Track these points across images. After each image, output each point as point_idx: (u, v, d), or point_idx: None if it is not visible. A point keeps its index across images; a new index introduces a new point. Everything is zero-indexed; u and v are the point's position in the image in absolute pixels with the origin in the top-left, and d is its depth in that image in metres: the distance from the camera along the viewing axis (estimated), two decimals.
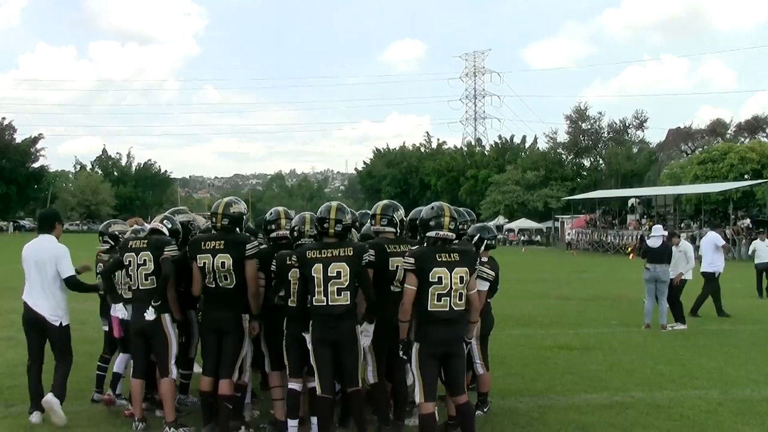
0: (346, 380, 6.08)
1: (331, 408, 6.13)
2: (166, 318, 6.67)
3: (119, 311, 7.03)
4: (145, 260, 6.63)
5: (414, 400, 5.88)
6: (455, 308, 5.71)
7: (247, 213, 6.81)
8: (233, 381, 6.52)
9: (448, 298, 5.65)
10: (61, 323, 7.03)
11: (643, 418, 7.37)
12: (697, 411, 7.68)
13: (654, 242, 13.87)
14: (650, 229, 16.21)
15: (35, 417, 6.93)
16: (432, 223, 5.77)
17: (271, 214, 7.06)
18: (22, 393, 7.82)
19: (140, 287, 6.67)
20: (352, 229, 6.74)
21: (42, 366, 7.17)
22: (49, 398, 6.76)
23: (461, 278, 5.71)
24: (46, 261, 6.96)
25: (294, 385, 6.41)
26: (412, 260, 5.64)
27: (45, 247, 7.07)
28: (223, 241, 6.44)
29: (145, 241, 6.74)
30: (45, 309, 6.95)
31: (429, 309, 5.62)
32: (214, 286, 6.48)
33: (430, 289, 5.61)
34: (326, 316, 5.93)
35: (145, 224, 7.60)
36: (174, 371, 6.70)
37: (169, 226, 6.94)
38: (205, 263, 6.43)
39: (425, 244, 5.85)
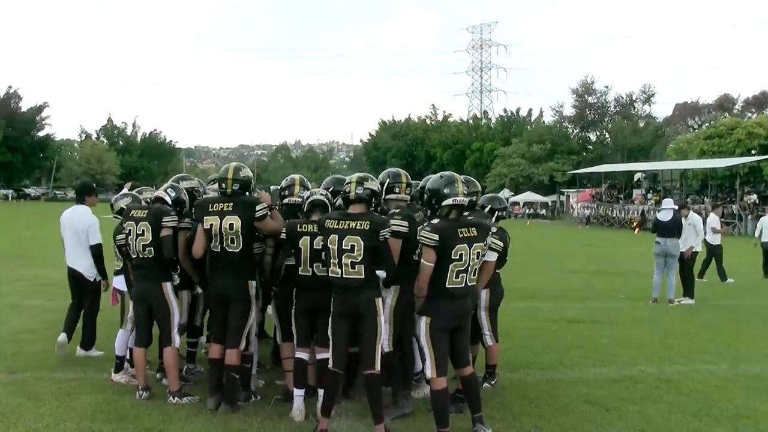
0: (363, 360, 5.84)
1: (339, 383, 5.99)
2: (167, 286, 6.61)
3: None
4: (143, 230, 6.55)
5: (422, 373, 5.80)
6: (469, 284, 5.62)
7: (254, 180, 6.70)
8: (240, 351, 6.44)
9: (465, 275, 5.55)
10: (95, 279, 8.27)
11: (652, 393, 7.28)
12: (707, 386, 7.60)
13: (664, 215, 13.75)
14: (657, 203, 16.39)
15: (62, 337, 8.15)
16: (446, 190, 5.60)
17: (286, 180, 7.12)
18: (25, 360, 7.94)
19: (139, 256, 6.61)
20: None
21: (80, 309, 8.37)
22: (61, 338, 8.12)
23: (478, 254, 5.62)
24: (79, 228, 8.17)
25: (301, 354, 6.34)
26: (436, 236, 5.43)
27: (79, 215, 8.26)
28: (231, 203, 6.32)
29: (146, 211, 6.66)
30: (81, 267, 8.22)
31: (446, 285, 5.50)
32: (219, 250, 6.36)
33: (450, 266, 5.48)
34: (343, 288, 5.77)
35: (148, 189, 7.53)
36: (176, 340, 6.65)
37: (173, 195, 6.83)
38: (212, 225, 6.30)
39: (439, 215, 5.66)
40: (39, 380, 7.18)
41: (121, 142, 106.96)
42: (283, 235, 6.34)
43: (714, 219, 18.31)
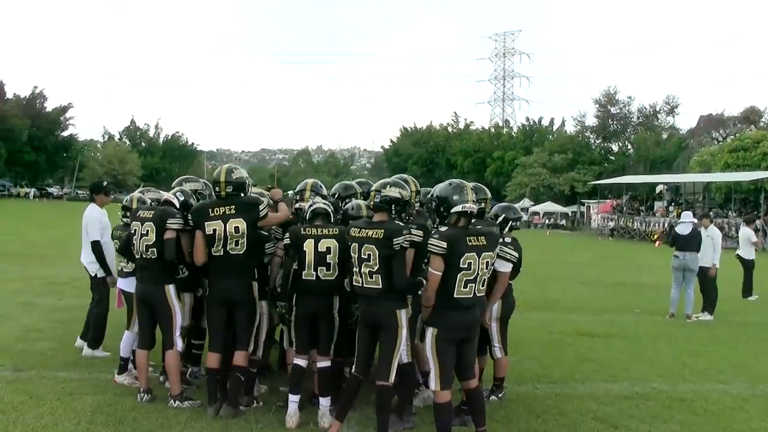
0: (378, 370, 5.74)
1: (358, 388, 5.87)
2: (170, 289, 6.53)
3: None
4: (147, 231, 6.48)
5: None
6: (478, 294, 5.49)
7: (249, 180, 6.58)
8: (248, 353, 6.38)
9: (474, 285, 5.41)
10: (96, 274, 8.36)
11: (664, 411, 7.11)
12: (722, 406, 7.41)
13: (683, 228, 13.53)
14: (678, 216, 16.08)
15: (78, 342, 8.50)
16: (455, 197, 5.47)
17: (299, 185, 7.17)
18: (31, 358, 7.94)
19: (143, 256, 6.54)
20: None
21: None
22: (78, 343, 8.49)
23: (487, 263, 5.49)
24: (83, 224, 8.38)
25: (299, 360, 6.23)
26: (444, 244, 5.31)
27: (86, 213, 8.47)
28: (233, 206, 6.26)
29: (152, 212, 6.59)
30: (85, 261, 8.45)
31: (454, 295, 5.37)
32: (222, 253, 6.28)
33: (459, 275, 5.35)
34: (364, 297, 5.72)
35: (161, 192, 7.45)
36: (179, 343, 6.56)
37: (182, 198, 6.74)
38: (215, 230, 6.23)
39: (447, 222, 5.53)
40: (43, 379, 7.14)
41: (143, 144, 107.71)
42: (287, 240, 6.25)
43: (748, 232, 17.67)
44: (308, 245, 6.07)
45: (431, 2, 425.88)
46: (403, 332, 5.67)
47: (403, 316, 5.68)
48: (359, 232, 5.69)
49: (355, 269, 5.72)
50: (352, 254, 5.71)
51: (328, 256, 6.01)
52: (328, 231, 6.10)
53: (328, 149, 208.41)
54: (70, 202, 71.68)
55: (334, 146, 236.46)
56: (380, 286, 5.60)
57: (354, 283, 5.78)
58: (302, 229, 6.16)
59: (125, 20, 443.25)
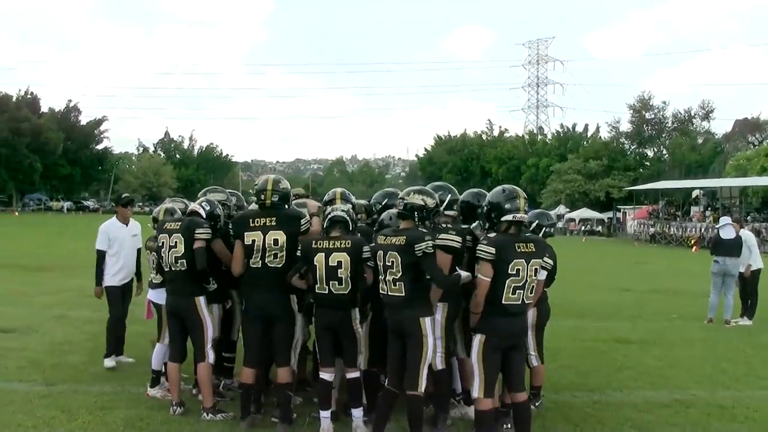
0: (406, 380, 5.65)
1: (392, 403, 5.80)
2: (201, 301, 6.48)
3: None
4: (176, 242, 6.44)
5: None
6: (526, 301, 5.43)
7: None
8: (291, 368, 6.34)
9: (522, 291, 5.35)
10: (103, 285, 8.49)
11: (704, 419, 6.96)
12: (764, 413, 7.23)
13: (726, 233, 13.30)
14: (715, 221, 15.79)
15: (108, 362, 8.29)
16: (508, 205, 5.40)
17: (328, 194, 7.08)
18: (64, 372, 7.94)
19: (171, 269, 6.51)
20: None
21: (123, 321, 8.67)
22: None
23: (536, 270, 5.43)
24: None
25: (324, 374, 6.13)
26: (492, 250, 5.26)
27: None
28: (274, 218, 6.20)
29: (179, 223, 6.56)
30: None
31: (503, 302, 5.31)
32: (260, 265, 6.20)
33: (507, 282, 5.29)
34: (389, 305, 5.70)
35: (187, 202, 7.44)
36: (211, 355, 6.51)
37: (207, 208, 6.72)
38: (254, 241, 6.17)
39: (496, 229, 5.48)
40: (75, 393, 7.15)
41: (177, 156, 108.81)
42: (298, 252, 6.17)
43: None
44: (319, 259, 5.94)
45: (464, 11, 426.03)
46: (429, 341, 5.61)
47: (427, 324, 5.62)
48: (385, 240, 5.70)
49: (380, 277, 5.71)
50: (378, 262, 5.71)
51: (339, 270, 5.88)
52: (340, 244, 5.94)
53: (363, 158, 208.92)
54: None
55: (368, 155, 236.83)
56: (403, 294, 5.58)
57: (380, 291, 5.74)
58: (313, 242, 6.02)
59: (159, 34, 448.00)
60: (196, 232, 6.39)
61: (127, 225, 8.63)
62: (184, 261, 6.41)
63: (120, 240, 8.45)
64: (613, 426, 6.64)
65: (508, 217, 5.38)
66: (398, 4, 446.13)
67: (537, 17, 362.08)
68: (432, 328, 5.67)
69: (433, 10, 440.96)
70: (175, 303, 6.56)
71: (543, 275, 6.32)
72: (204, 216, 6.62)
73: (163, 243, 6.56)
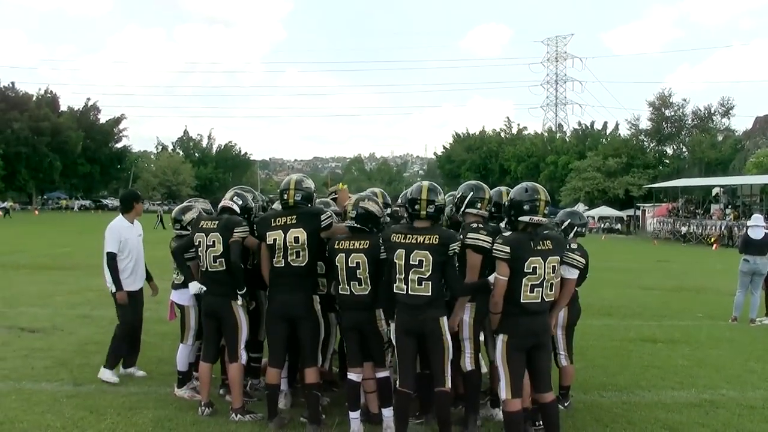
0: (435, 378, 5.60)
1: (407, 403, 5.73)
2: (238, 301, 6.40)
3: (193, 288, 6.72)
4: (214, 241, 6.37)
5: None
6: (546, 299, 5.36)
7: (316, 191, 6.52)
8: (318, 368, 6.29)
9: (541, 289, 5.29)
10: (111, 291, 7.80)
11: (735, 420, 6.87)
12: None
13: (756, 233, 13.13)
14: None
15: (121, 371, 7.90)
16: (527, 206, 5.32)
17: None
18: (91, 372, 7.91)
19: (209, 269, 6.44)
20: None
21: (138, 328, 8.14)
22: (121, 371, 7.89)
23: (554, 268, 5.36)
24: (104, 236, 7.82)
25: (352, 375, 6.09)
26: (507, 249, 5.22)
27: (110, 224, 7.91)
28: (295, 216, 6.13)
29: (216, 222, 6.47)
30: (103, 277, 7.90)
31: (521, 301, 5.26)
32: (283, 264, 6.14)
33: (524, 280, 5.24)
34: (407, 305, 5.55)
35: (200, 200, 7.39)
36: (243, 356, 6.48)
37: (240, 202, 6.63)
38: (275, 240, 6.12)
39: (514, 228, 5.44)
40: (103, 393, 7.17)
41: (196, 154, 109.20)
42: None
43: None
44: (340, 260, 5.90)
45: (483, 9, 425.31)
46: (448, 338, 5.57)
47: (445, 323, 5.57)
48: (404, 238, 5.55)
49: (398, 276, 5.55)
50: (397, 261, 5.55)
51: (358, 271, 5.83)
52: (359, 244, 5.87)
53: (381, 156, 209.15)
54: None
55: (386, 153, 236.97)
56: (429, 294, 5.48)
57: (396, 291, 5.59)
58: (336, 243, 5.98)
59: (177, 32, 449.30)
60: (235, 231, 6.33)
61: (132, 224, 8.03)
62: (223, 260, 6.35)
63: (131, 241, 7.87)
64: (643, 426, 6.57)
65: (525, 219, 5.32)
66: (417, 2, 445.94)
67: (556, 14, 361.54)
68: (446, 327, 5.60)
69: (452, 7, 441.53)
70: (213, 303, 6.48)
71: (574, 274, 6.27)
72: (239, 212, 6.57)
73: (200, 242, 6.47)
